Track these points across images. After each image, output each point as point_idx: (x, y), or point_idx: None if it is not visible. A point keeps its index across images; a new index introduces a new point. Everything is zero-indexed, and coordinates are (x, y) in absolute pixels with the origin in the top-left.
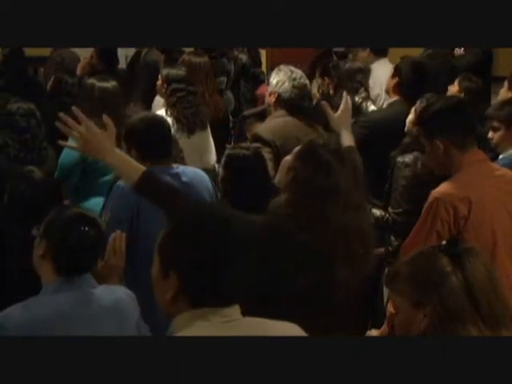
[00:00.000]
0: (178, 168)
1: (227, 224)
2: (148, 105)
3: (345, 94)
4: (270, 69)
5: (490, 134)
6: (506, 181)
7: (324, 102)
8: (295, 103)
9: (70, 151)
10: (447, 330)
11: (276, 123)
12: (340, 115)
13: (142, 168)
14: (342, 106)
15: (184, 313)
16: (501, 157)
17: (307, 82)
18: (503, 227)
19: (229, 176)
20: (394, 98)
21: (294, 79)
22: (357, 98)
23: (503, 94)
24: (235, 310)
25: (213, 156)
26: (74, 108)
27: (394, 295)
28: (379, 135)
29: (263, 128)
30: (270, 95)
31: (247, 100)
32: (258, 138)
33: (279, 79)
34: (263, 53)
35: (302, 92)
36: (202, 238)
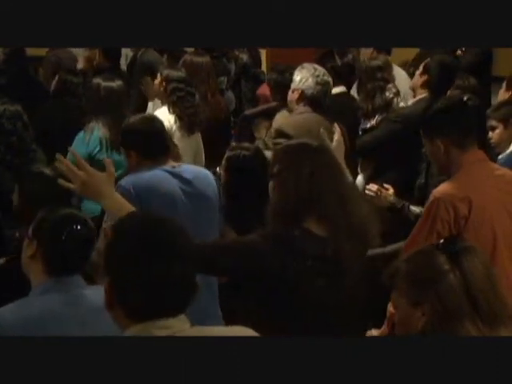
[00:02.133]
0: (180, 166)
1: (165, 237)
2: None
3: (336, 125)
4: (270, 69)
5: (490, 134)
6: (506, 181)
7: (323, 131)
8: (318, 99)
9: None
10: (445, 329)
11: (297, 119)
12: (335, 147)
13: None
14: (335, 137)
15: (128, 330)
16: (500, 157)
17: (330, 79)
18: (503, 227)
19: (230, 178)
20: (421, 94)
21: (318, 76)
22: (387, 93)
23: (502, 94)
24: (180, 321)
25: (203, 158)
26: (70, 149)
27: (393, 293)
28: (410, 130)
29: (286, 123)
30: (293, 92)
31: (248, 100)
32: (281, 134)
33: (302, 76)
34: (263, 53)
35: (324, 88)
36: (136, 250)
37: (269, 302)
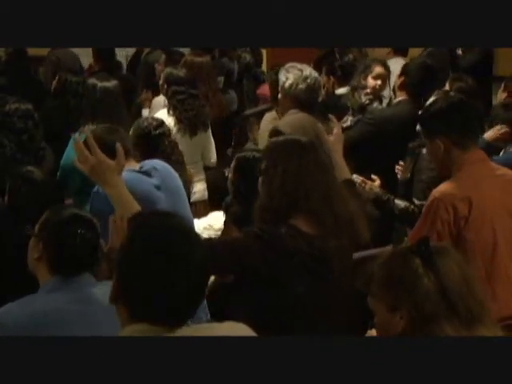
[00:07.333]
0: (145, 164)
1: (181, 248)
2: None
3: (333, 119)
4: (271, 69)
5: None
6: (507, 180)
7: (320, 126)
8: (307, 100)
9: (70, 153)
10: (424, 331)
11: (293, 118)
12: (333, 140)
13: (137, 207)
14: (334, 130)
15: (125, 327)
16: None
17: (317, 75)
18: (504, 227)
19: (239, 178)
20: (401, 96)
21: (306, 77)
22: (363, 98)
23: (500, 95)
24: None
25: (213, 154)
26: (88, 135)
27: (370, 298)
28: (385, 132)
29: (282, 123)
30: (281, 93)
31: (249, 99)
32: (278, 133)
33: (290, 77)
34: (263, 53)
35: (312, 87)
36: (145, 252)
37: (255, 300)
